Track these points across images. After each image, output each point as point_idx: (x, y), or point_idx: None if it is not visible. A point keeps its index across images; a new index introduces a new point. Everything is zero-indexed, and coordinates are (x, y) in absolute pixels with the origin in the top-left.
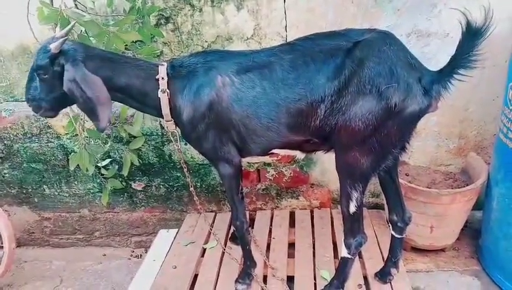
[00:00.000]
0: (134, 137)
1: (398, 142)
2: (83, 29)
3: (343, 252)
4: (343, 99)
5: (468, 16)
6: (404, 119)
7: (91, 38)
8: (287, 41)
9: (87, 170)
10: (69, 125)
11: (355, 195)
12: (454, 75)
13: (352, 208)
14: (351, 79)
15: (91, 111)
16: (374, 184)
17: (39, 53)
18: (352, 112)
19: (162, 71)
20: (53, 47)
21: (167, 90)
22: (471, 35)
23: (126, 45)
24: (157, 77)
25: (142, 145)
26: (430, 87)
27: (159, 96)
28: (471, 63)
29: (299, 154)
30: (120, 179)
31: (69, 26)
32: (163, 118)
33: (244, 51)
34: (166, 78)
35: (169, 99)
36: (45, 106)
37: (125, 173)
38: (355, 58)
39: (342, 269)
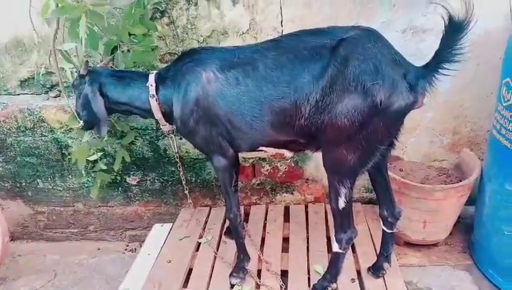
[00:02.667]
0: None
1: (385, 139)
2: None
3: (335, 247)
4: (328, 98)
5: (450, 10)
6: (390, 115)
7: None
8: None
9: (75, 163)
10: (70, 119)
11: (343, 191)
12: (439, 70)
13: (342, 203)
14: (335, 77)
15: (93, 122)
16: (368, 179)
17: (76, 77)
18: (337, 109)
19: (151, 79)
20: (82, 69)
21: (155, 95)
22: (454, 30)
23: (130, 35)
24: (147, 84)
25: (137, 139)
26: (416, 83)
27: (149, 101)
28: (455, 56)
29: (287, 153)
30: (115, 174)
31: (110, 57)
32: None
33: (230, 47)
34: (154, 85)
35: (159, 103)
36: (83, 119)
37: (115, 167)
38: (340, 56)
39: (334, 263)
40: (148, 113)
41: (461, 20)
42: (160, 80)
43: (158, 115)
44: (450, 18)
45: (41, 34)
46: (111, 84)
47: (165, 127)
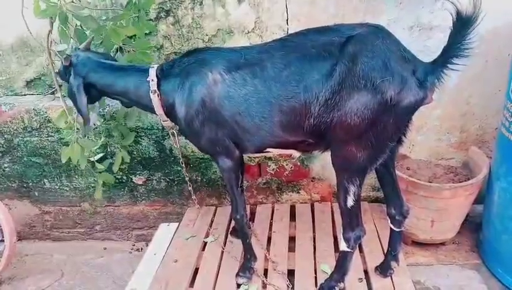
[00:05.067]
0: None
1: (394, 135)
2: (78, 23)
3: (342, 246)
4: (338, 96)
5: (458, 5)
6: (400, 112)
7: (86, 32)
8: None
9: (78, 162)
10: (59, 117)
11: (352, 189)
12: (448, 65)
13: (350, 202)
14: (345, 74)
15: (79, 114)
16: (375, 178)
17: (60, 66)
18: (347, 107)
19: (152, 73)
20: (64, 61)
21: (157, 91)
22: (462, 25)
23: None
24: (147, 79)
25: (142, 139)
26: (425, 79)
27: (150, 97)
28: (463, 52)
29: (295, 153)
30: (121, 173)
31: (88, 40)
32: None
33: (236, 47)
34: (155, 80)
35: (161, 99)
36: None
37: (115, 169)
38: (348, 54)
39: (342, 262)
40: (144, 107)
41: (469, 15)
42: (162, 75)
43: (159, 110)
44: (458, 13)
45: (43, 34)
46: (100, 75)
47: (166, 122)
